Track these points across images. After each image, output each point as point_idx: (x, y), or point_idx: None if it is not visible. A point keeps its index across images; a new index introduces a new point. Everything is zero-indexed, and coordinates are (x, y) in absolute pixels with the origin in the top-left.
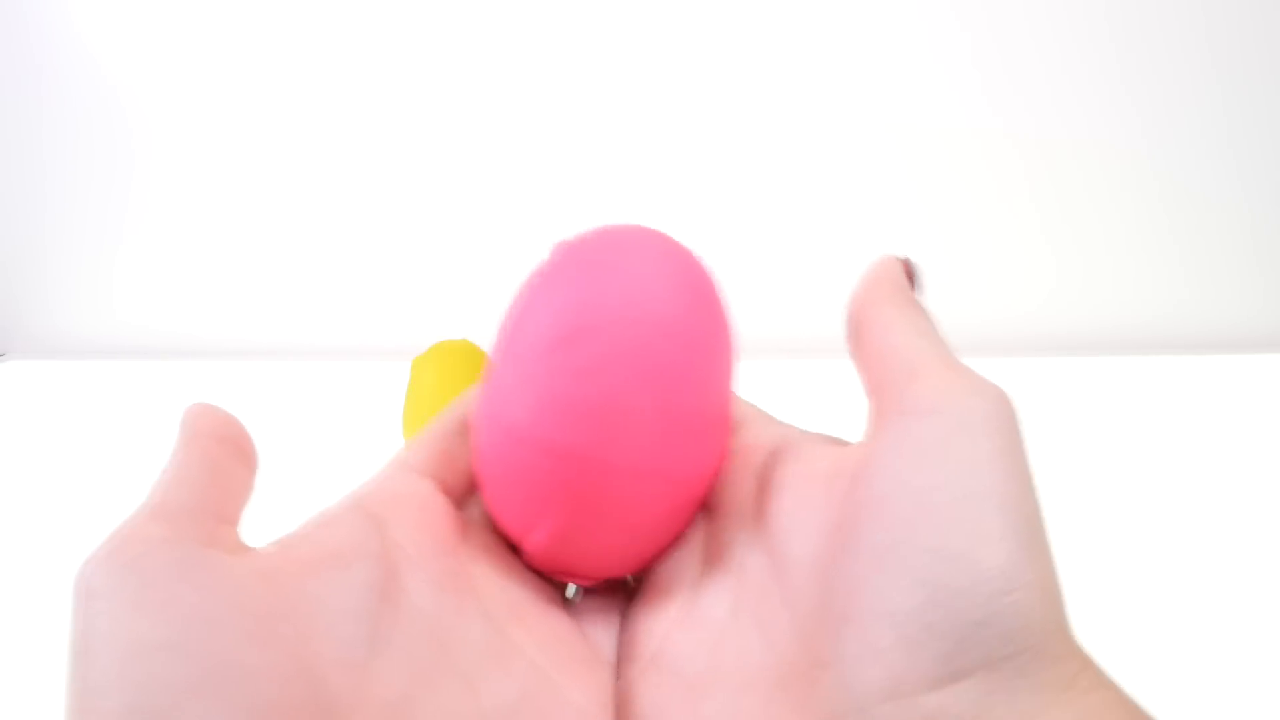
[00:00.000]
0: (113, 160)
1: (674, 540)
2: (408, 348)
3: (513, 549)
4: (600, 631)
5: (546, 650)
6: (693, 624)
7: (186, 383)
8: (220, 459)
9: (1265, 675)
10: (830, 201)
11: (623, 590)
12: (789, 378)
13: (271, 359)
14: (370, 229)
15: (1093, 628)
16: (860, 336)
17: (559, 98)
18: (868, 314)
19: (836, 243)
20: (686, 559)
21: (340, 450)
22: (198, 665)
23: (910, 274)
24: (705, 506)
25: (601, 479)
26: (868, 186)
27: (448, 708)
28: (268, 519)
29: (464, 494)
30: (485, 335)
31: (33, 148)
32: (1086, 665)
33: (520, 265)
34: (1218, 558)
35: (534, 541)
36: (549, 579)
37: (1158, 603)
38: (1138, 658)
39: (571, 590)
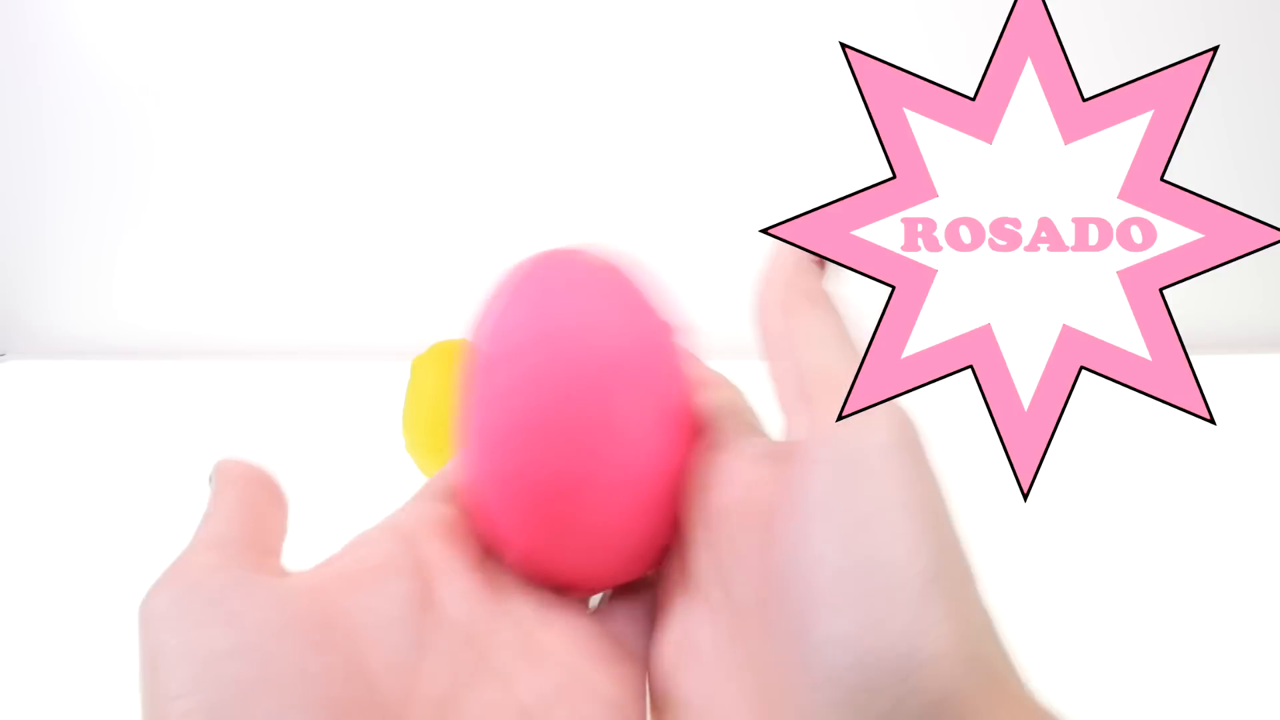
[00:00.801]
0: (113, 161)
1: (659, 549)
2: (408, 348)
3: None
4: (629, 630)
5: (575, 650)
6: (689, 648)
7: (186, 383)
8: (255, 499)
9: (1265, 676)
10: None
11: (649, 595)
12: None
13: (271, 359)
14: (369, 229)
15: (1090, 630)
16: (764, 350)
17: (557, 100)
18: (766, 325)
19: None
20: (675, 575)
21: (341, 450)
22: (264, 668)
23: (820, 261)
24: (680, 517)
25: (559, 490)
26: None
27: (489, 702)
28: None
29: None
30: None
31: (33, 148)
32: (1016, 714)
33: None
34: (1218, 558)
35: (510, 557)
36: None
37: (1155, 604)
38: (1139, 658)
39: (594, 601)
